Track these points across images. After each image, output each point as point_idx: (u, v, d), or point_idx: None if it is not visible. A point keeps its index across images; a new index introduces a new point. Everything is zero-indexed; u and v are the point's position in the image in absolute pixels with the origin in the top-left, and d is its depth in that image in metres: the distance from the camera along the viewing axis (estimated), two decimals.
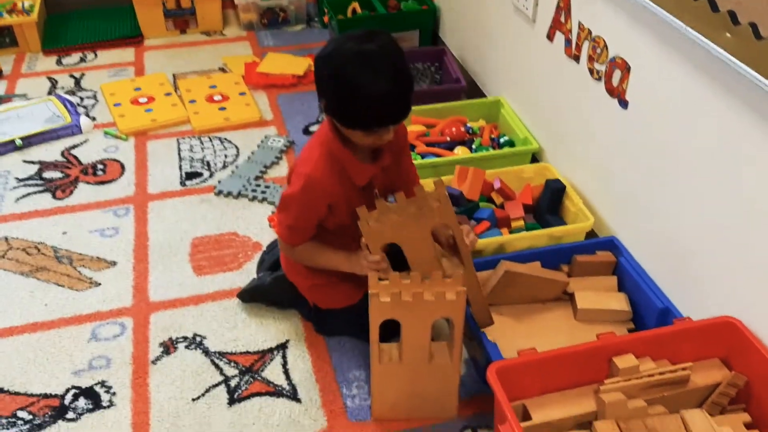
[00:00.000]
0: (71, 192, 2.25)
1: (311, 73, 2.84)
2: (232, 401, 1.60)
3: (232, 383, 1.64)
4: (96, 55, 3.06)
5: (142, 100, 2.69)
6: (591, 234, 1.88)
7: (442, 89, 2.53)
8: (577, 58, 1.87)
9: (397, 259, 1.43)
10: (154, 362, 1.69)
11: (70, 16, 3.31)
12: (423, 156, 2.19)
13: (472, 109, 2.40)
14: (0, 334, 1.76)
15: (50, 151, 2.43)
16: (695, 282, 1.53)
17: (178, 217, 2.14)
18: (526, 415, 1.34)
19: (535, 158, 2.19)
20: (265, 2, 3.22)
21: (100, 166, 2.36)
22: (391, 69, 1.34)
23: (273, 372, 1.66)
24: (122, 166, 2.36)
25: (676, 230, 1.56)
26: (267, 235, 2.06)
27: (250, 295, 1.81)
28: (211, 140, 2.50)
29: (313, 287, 1.67)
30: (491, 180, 2.00)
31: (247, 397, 1.61)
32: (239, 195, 2.22)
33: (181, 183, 2.29)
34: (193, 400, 1.60)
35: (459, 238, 1.42)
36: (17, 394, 1.61)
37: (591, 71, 1.81)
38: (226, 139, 2.50)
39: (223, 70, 2.94)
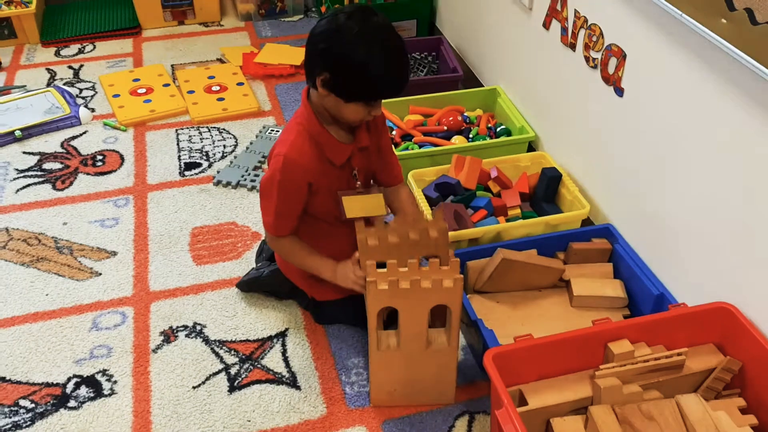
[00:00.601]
0: (71, 183, 2.26)
1: None
2: (232, 389, 1.61)
3: (233, 371, 1.65)
4: (94, 46, 3.06)
5: (141, 91, 2.69)
6: (587, 222, 1.89)
7: (439, 79, 2.53)
8: (573, 47, 1.88)
9: None
10: (154, 351, 1.70)
11: (69, 8, 3.30)
12: (420, 145, 2.20)
13: (469, 98, 2.41)
14: (1, 324, 1.77)
15: (50, 143, 2.44)
16: (690, 268, 1.54)
17: (178, 207, 2.15)
18: (522, 401, 1.36)
19: (531, 147, 2.20)
20: None
21: (99, 157, 2.37)
22: (396, 42, 1.39)
23: (273, 360, 1.68)
24: (121, 157, 2.37)
25: (671, 217, 1.57)
26: None
27: (248, 286, 1.83)
28: (209, 130, 2.51)
29: (309, 280, 1.68)
30: (488, 169, 2.01)
31: (247, 384, 1.62)
32: (238, 185, 2.23)
33: (180, 173, 2.30)
34: (194, 387, 1.62)
35: (455, 314, 1.42)
36: (19, 383, 1.63)
37: (587, 59, 1.81)
38: (224, 129, 2.51)
39: (221, 60, 2.94)
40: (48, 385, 1.63)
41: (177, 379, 1.63)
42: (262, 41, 3.07)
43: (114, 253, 1.98)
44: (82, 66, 2.90)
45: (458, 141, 2.21)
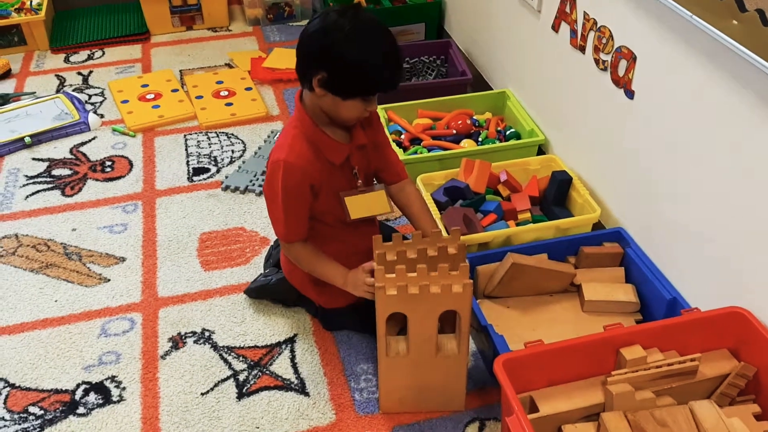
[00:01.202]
0: (80, 189, 2.26)
1: None
2: (240, 395, 1.60)
3: (241, 377, 1.64)
4: (103, 52, 3.07)
5: (150, 96, 2.70)
6: (598, 225, 1.87)
7: (448, 82, 2.52)
8: (582, 49, 1.87)
9: None
10: (163, 357, 1.70)
11: (78, 14, 3.32)
12: (429, 149, 2.19)
13: (478, 101, 2.39)
14: (11, 331, 1.78)
15: (59, 149, 2.45)
16: (703, 272, 1.52)
17: (186, 212, 2.15)
18: (533, 407, 1.34)
19: (541, 150, 2.19)
20: None
21: (108, 163, 2.38)
22: (389, 37, 1.41)
23: (281, 366, 1.67)
24: (130, 163, 2.37)
25: (684, 220, 1.56)
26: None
27: (256, 293, 1.82)
28: (218, 136, 2.51)
29: (316, 288, 1.67)
30: (497, 172, 1.99)
31: (256, 391, 1.61)
32: (246, 190, 2.23)
33: (188, 179, 2.29)
34: (202, 394, 1.61)
35: (465, 319, 1.41)
36: (28, 389, 1.63)
37: (597, 62, 1.80)
38: (232, 134, 2.51)
39: (229, 65, 2.94)
40: (57, 391, 1.62)
41: (185, 385, 1.63)
42: (270, 46, 3.07)
43: (123, 259, 1.98)
44: (91, 72, 2.91)
45: (467, 144, 2.20)
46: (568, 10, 1.91)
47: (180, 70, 2.91)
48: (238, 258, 1.98)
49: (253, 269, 1.93)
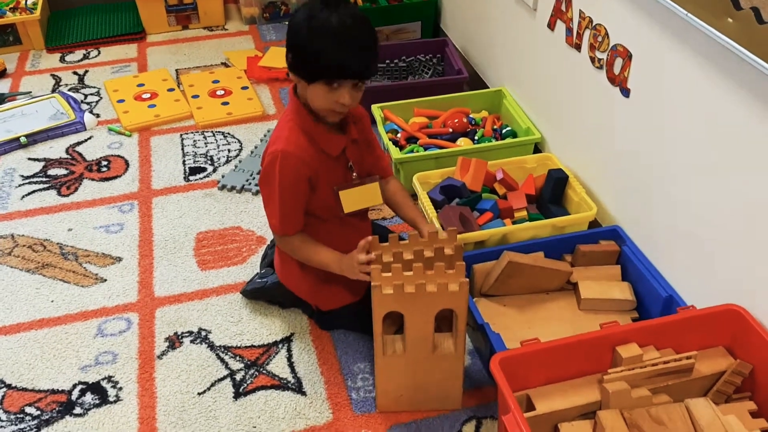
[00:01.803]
0: (76, 189, 2.26)
1: None
2: (237, 395, 1.60)
3: (238, 377, 1.64)
4: (99, 51, 3.06)
5: (146, 95, 2.69)
6: (594, 223, 1.88)
7: (444, 81, 2.52)
8: (578, 47, 1.87)
9: None
10: (159, 357, 1.70)
11: (73, 13, 3.31)
12: (426, 148, 2.19)
13: (475, 100, 2.39)
14: (7, 331, 1.77)
15: (55, 149, 2.44)
16: (699, 270, 1.52)
17: (182, 212, 2.15)
18: (529, 406, 1.34)
19: (537, 148, 2.19)
20: None
21: (104, 163, 2.37)
22: (356, 24, 1.39)
23: (278, 365, 1.67)
24: (126, 162, 2.37)
25: (680, 218, 1.56)
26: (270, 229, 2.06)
27: (252, 295, 1.82)
28: (214, 135, 2.50)
29: (310, 289, 1.67)
30: (494, 171, 1.99)
31: (253, 390, 1.61)
32: (242, 189, 2.22)
33: (184, 178, 2.29)
34: (199, 394, 1.61)
35: (461, 318, 1.41)
36: (25, 390, 1.63)
37: (592, 60, 1.80)
38: (229, 133, 2.51)
39: (225, 64, 2.94)
40: (53, 392, 1.62)
41: (182, 385, 1.63)
42: (266, 45, 3.07)
43: (119, 259, 1.98)
44: (86, 71, 2.91)
45: (463, 143, 2.20)
46: (563, 8, 1.91)
47: (176, 70, 2.90)
48: (234, 257, 1.97)
49: (250, 268, 1.93)
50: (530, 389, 1.36)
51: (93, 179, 2.30)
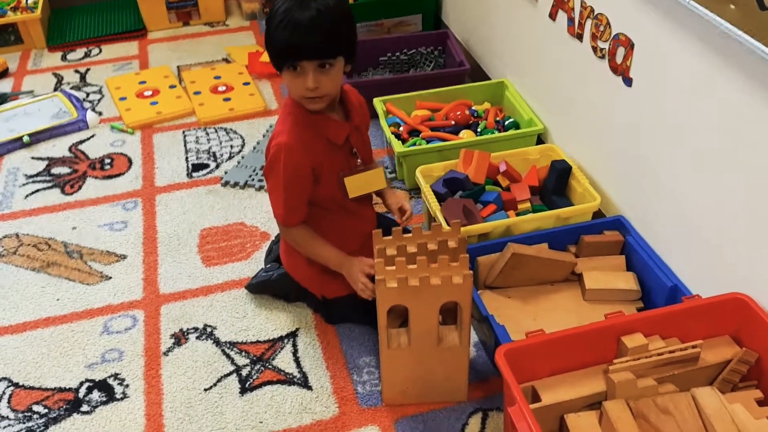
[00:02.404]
0: (80, 187, 2.26)
1: None
2: (243, 390, 1.61)
3: (244, 372, 1.65)
4: (100, 49, 3.06)
5: (147, 93, 2.69)
6: (598, 214, 1.87)
7: (445, 73, 2.51)
8: (580, 37, 1.86)
9: None
10: (165, 354, 1.70)
11: (74, 12, 3.31)
12: (428, 140, 2.18)
13: (477, 92, 2.39)
14: (13, 330, 1.78)
15: (58, 147, 2.45)
16: (704, 259, 1.52)
17: (186, 208, 2.15)
18: (535, 397, 1.34)
19: (540, 140, 2.18)
20: None
21: (107, 161, 2.37)
22: (306, 2, 1.39)
23: (284, 360, 1.67)
24: (129, 160, 2.37)
25: (684, 208, 1.55)
26: (274, 225, 2.05)
27: (257, 289, 1.82)
28: (216, 131, 2.50)
29: (316, 278, 1.67)
30: (497, 163, 1.99)
31: (259, 385, 1.62)
32: (246, 185, 2.22)
33: (187, 175, 2.29)
34: (205, 390, 1.61)
35: (466, 310, 1.41)
36: (32, 388, 1.63)
37: (594, 49, 1.79)
38: (231, 129, 2.51)
39: (226, 60, 2.94)
40: (60, 390, 1.63)
41: (188, 381, 1.63)
42: None
43: (123, 257, 1.98)
44: (88, 70, 2.91)
45: (466, 135, 2.19)
46: None
47: (177, 66, 2.90)
48: (238, 253, 1.98)
49: (254, 264, 1.93)
50: (536, 380, 1.36)
51: (96, 177, 2.30)
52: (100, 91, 2.75)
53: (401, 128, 2.25)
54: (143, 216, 2.13)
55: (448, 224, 1.69)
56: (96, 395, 1.61)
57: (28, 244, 2.04)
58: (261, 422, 1.54)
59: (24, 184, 2.28)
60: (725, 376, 1.39)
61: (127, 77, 2.81)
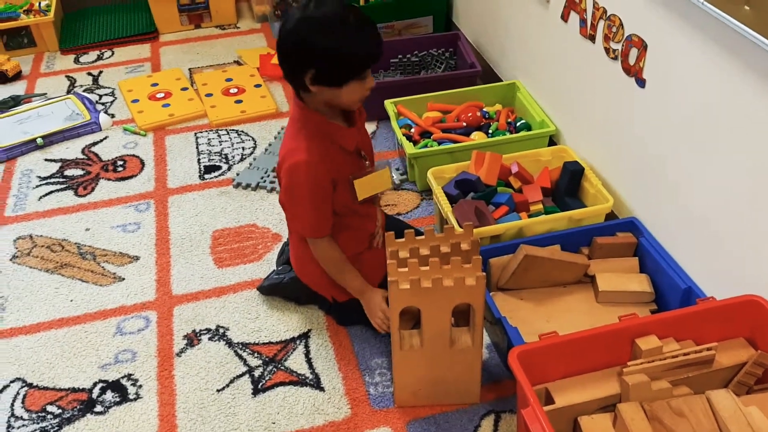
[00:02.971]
0: (93, 189, 2.27)
1: None
2: (256, 391, 1.61)
3: (256, 373, 1.65)
4: (113, 52, 3.08)
5: (160, 95, 2.71)
6: (611, 215, 1.86)
7: (457, 75, 2.51)
8: (592, 38, 1.85)
9: None
10: (178, 354, 1.71)
11: (87, 14, 3.33)
12: (440, 142, 2.18)
13: (488, 93, 2.38)
14: (27, 331, 1.79)
15: (71, 149, 2.46)
16: (718, 261, 1.51)
17: (198, 210, 2.16)
18: (548, 399, 1.34)
19: (552, 141, 2.18)
20: None
21: (120, 162, 2.39)
22: (356, 12, 1.42)
23: (296, 361, 1.68)
24: (142, 162, 2.38)
25: (697, 209, 1.54)
26: (286, 226, 2.06)
27: (268, 291, 1.83)
28: (228, 133, 2.51)
29: (328, 282, 1.67)
30: (509, 164, 1.98)
31: (271, 386, 1.62)
32: (257, 187, 2.23)
33: (199, 176, 2.30)
34: (218, 391, 1.62)
35: (478, 312, 1.41)
36: (46, 388, 1.64)
37: (607, 50, 1.79)
38: (243, 131, 2.51)
39: (238, 63, 2.95)
40: (74, 390, 1.64)
41: (201, 382, 1.64)
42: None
43: (136, 258, 1.99)
44: (101, 72, 2.93)
45: (478, 137, 2.19)
46: None
47: (189, 69, 2.91)
48: (250, 255, 1.98)
49: (266, 265, 1.93)
50: (549, 383, 1.35)
51: (109, 179, 2.31)
52: (112, 94, 2.77)
53: (412, 130, 2.25)
54: (156, 217, 2.14)
55: (460, 226, 1.69)
56: (109, 396, 1.62)
57: (42, 246, 2.06)
58: (274, 423, 1.54)
59: (37, 186, 2.29)
60: (740, 379, 1.38)
61: (140, 80, 2.82)
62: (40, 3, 3.14)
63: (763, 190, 1.33)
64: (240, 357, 1.69)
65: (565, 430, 1.34)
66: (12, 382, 1.66)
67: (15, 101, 2.70)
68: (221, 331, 1.76)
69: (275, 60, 2.82)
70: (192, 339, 1.75)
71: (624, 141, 1.80)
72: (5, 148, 2.42)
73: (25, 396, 1.63)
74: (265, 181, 2.24)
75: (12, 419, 1.58)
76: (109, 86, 2.82)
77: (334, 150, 1.52)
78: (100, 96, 2.76)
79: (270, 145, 2.42)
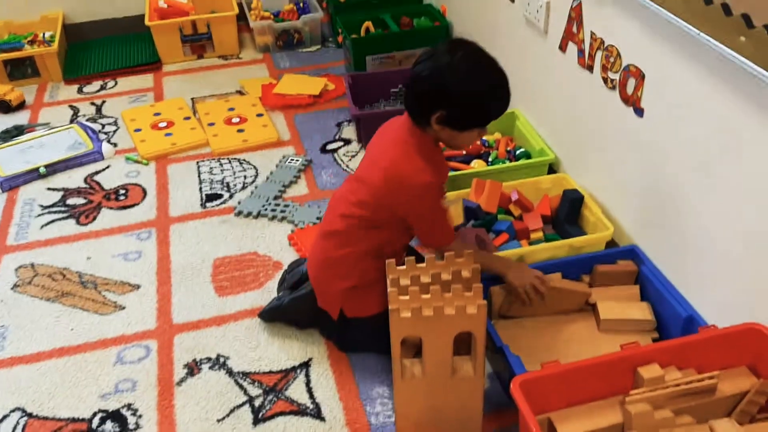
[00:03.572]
0: (94, 217, 2.28)
1: (327, 92, 2.88)
2: (256, 421, 1.60)
3: (257, 403, 1.64)
4: (116, 82, 3.11)
5: (162, 124, 2.73)
6: (611, 243, 1.87)
7: None
8: (590, 68, 1.87)
9: None
10: (178, 384, 1.70)
11: (90, 45, 3.37)
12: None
13: None
14: (27, 360, 1.78)
15: (73, 178, 2.47)
16: (719, 289, 1.51)
17: (200, 238, 2.16)
18: (551, 429, 1.33)
19: (552, 169, 2.19)
20: (280, 25, 3.26)
21: (122, 191, 2.40)
22: (497, 67, 1.49)
23: (296, 391, 1.67)
24: (144, 191, 2.40)
25: (698, 237, 1.55)
26: (287, 254, 2.07)
27: (269, 315, 1.83)
28: (230, 162, 2.53)
29: (348, 291, 1.66)
30: (509, 192, 1.99)
31: (272, 416, 1.61)
32: (259, 215, 2.24)
33: (201, 205, 2.31)
34: (218, 420, 1.61)
35: (480, 341, 1.41)
36: (46, 418, 1.63)
37: (605, 80, 1.81)
38: (244, 160, 2.53)
39: (240, 92, 2.98)
40: (74, 420, 1.63)
41: (201, 412, 1.63)
42: (280, 72, 3.10)
43: (137, 287, 1.99)
44: (104, 102, 2.95)
45: (477, 165, 2.21)
46: (575, 30, 1.92)
47: (192, 98, 2.94)
48: (251, 283, 1.98)
49: (267, 294, 1.93)
50: (551, 412, 1.35)
51: (111, 208, 2.32)
52: (115, 123, 2.79)
53: None
54: (157, 246, 2.14)
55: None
56: (109, 426, 1.61)
57: (43, 274, 2.06)
58: None
59: (40, 215, 2.30)
60: (743, 408, 1.37)
61: (142, 109, 2.85)
62: (44, 34, 3.18)
63: (763, 218, 1.34)
64: (240, 386, 1.69)
65: None
66: (12, 411, 1.65)
67: (18, 131, 2.73)
68: (222, 360, 1.76)
69: (277, 90, 2.86)
70: (192, 368, 1.74)
71: (623, 169, 1.81)
72: (8, 177, 2.43)
73: (24, 426, 1.62)
74: (266, 209, 2.25)
75: None
76: (112, 116, 2.84)
77: (440, 181, 1.59)
78: (103, 125, 2.78)
79: (272, 173, 2.43)
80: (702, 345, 1.39)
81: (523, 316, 1.68)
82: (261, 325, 1.84)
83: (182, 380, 1.71)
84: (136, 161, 2.55)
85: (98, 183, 2.45)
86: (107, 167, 2.53)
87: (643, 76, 1.65)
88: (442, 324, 1.36)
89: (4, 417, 1.64)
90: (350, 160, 2.50)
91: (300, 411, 1.62)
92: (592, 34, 1.84)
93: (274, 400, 1.65)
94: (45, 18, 3.27)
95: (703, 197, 1.51)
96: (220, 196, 2.35)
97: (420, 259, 1.52)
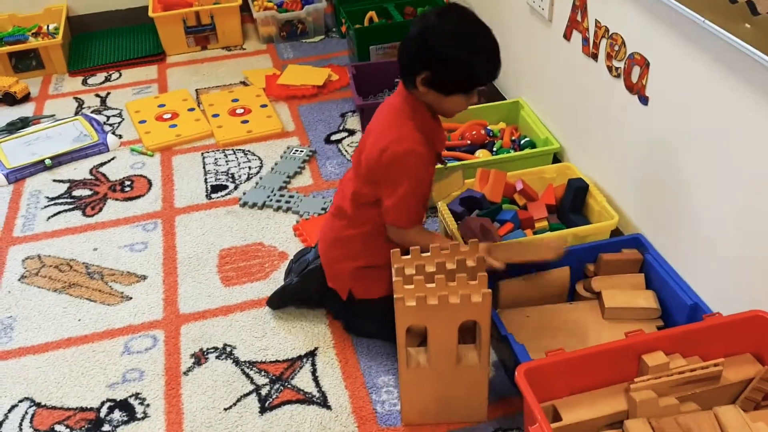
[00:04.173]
0: (100, 209, 2.29)
1: (330, 83, 2.88)
2: (263, 410, 1.61)
3: (263, 392, 1.65)
4: (120, 74, 3.12)
5: (167, 116, 2.73)
6: (616, 232, 1.87)
7: None
8: (595, 56, 1.87)
9: None
10: (185, 373, 1.71)
11: (94, 37, 3.37)
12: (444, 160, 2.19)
13: (492, 111, 2.40)
14: (36, 351, 1.80)
15: (79, 170, 2.48)
16: (724, 276, 1.51)
17: (205, 229, 2.17)
18: (556, 416, 1.34)
19: (556, 158, 2.19)
20: (283, 15, 3.25)
21: (127, 183, 2.41)
22: (488, 32, 1.47)
23: (303, 379, 1.68)
24: (149, 182, 2.40)
25: (703, 225, 1.55)
26: (292, 245, 2.08)
27: (278, 299, 1.83)
28: (234, 153, 2.53)
29: (358, 271, 1.66)
30: (513, 181, 2.00)
31: (278, 405, 1.62)
32: (264, 206, 2.24)
33: (206, 196, 2.32)
34: (225, 409, 1.62)
35: (485, 329, 1.42)
36: (54, 408, 1.65)
37: (610, 69, 1.80)
38: (249, 151, 2.53)
39: (244, 83, 2.98)
40: (82, 409, 1.64)
41: (208, 401, 1.64)
42: (284, 63, 3.10)
43: (144, 277, 2.00)
44: (108, 94, 2.96)
45: (482, 155, 2.21)
46: (579, 18, 1.92)
47: (196, 90, 2.94)
48: (257, 273, 1.99)
49: (273, 284, 1.94)
50: (556, 400, 1.35)
51: (117, 199, 2.33)
52: (120, 115, 2.80)
53: None
54: (163, 237, 2.15)
55: (466, 243, 1.69)
56: (117, 415, 1.62)
57: (50, 266, 2.07)
58: None
59: (46, 207, 2.31)
60: (747, 395, 1.37)
61: (147, 101, 2.85)
62: (48, 26, 3.19)
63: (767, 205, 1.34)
64: (247, 375, 1.70)
65: None
66: (20, 401, 1.67)
67: (23, 123, 2.73)
68: (228, 349, 1.77)
69: (281, 80, 2.86)
70: (199, 358, 1.75)
71: (628, 158, 1.81)
72: (14, 169, 2.44)
73: (33, 415, 1.63)
74: (271, 200, 2.26)
75: None
76: (117, 107, 2.85)
77: (431, 149, 1.55)
78: (108, 117, 2.79)
79: (276, 164, 2.44)
80: (706, 333, 1.40)
81: (528, 304, 1.69)
82: (267, 314, 1.85)
83: (189, 370, 1.72)
84: (141, 153, 2.55)
85: (104, 174, 2.46)
86: (112, 159, 2.54)
87: (648, 64, 1.64)
88: (447, 313, 1.37)
89: (13, 407, 1.66)
90: (354, 150, 2.50)
91: (306, 400, 1.63)
92: (597, 22, 1.83)
93: (280, 389, 1.66)
94: (49, 10, 3.27)
95: (708, 185, 1.51)
96: (225, 187, 2.36)
97: None
